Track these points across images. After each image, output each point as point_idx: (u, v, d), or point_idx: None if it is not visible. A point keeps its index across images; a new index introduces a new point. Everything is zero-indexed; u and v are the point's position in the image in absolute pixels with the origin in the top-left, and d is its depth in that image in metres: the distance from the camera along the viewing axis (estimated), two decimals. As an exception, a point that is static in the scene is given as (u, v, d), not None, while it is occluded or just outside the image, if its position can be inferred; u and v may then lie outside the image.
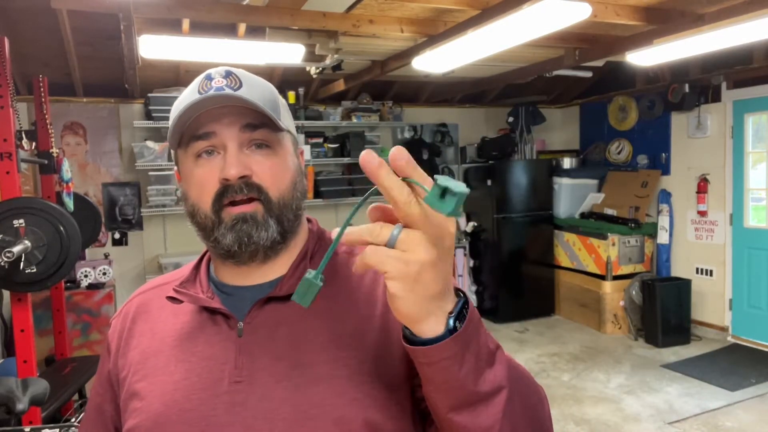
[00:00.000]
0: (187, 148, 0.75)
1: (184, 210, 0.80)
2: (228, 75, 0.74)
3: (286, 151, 0.78)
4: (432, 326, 0.54)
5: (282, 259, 0.79)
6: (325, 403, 0.69)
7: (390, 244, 0.51)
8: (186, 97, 0.74)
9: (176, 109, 0.75)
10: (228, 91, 0.72)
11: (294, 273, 0.78)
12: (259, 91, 0.74)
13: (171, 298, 0.81)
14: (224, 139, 0.73)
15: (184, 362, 0.75)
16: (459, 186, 0.49)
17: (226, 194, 0.73)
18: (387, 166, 0.51)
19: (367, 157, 0.50)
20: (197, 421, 0.71)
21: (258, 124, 0.73)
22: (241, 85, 0.73)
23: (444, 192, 0.49)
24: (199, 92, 0.72)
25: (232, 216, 0.73)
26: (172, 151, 0.82)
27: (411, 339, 0.56)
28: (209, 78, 0.74)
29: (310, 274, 0.55)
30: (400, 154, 0.51)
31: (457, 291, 0.58)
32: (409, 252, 0.51)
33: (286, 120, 0.78)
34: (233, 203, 0.73)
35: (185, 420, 0.71)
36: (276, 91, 0.79)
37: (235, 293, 0.79)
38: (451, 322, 0.55)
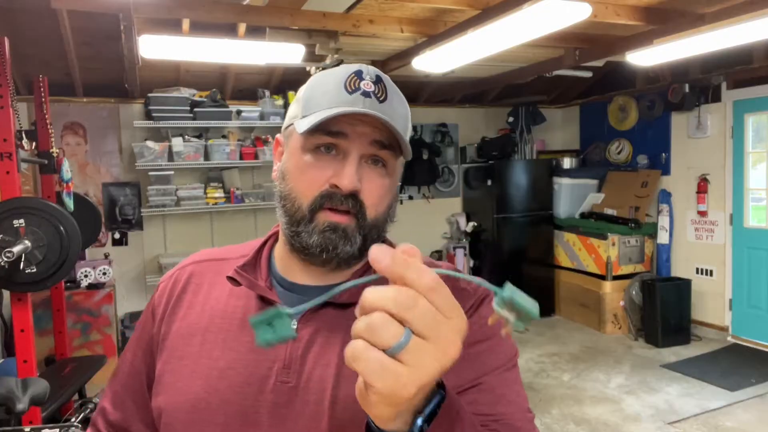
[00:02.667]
0: (310, 135, 0.72)
1: (277, 187, 0.78)
2: (378, 81, 0.72)
3: (396, 174, 0.77)
4: (397, 425, 0.46)
5: (351, 269, 0.78)
6: (362, 422, 0.68)
7: (393, 352, 0.42)
8: (331, 88, 0.72)
9: (317, 94, 0.73)
10: (373, 100, 0.70)
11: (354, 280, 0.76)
12: (398, 110, 0.73)
13: (230, 278, 0.78)
14: (350, 146, 0.71)
15: (231, 350, 0.74)
16: (527, 302, 0.43)
17: (330, 199, 0.71)
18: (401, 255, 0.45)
19: (377, 256, 0.45)
20: (237, 415, 0.70)
21: (387, 145, 0.72)
22: (386, 98, 0.72)
23: (510, 303, 0.44)
24: (347, 89, 0.70)
25: (327, 221, 0.72)
26: (287, 123, 0.78)
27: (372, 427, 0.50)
28: (359, 76, 0.71)
29: (284, 309, 0.48)
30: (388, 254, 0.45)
31: (438, 384, 0.50)
32: (410, 368, 0.42)
33: (408, 145, 0.75)
34: (332, 209, 0.72)
35: (225, 411, 0.70)
36: (409, 110, 0.77)
37: (293, 289, 0.78)
38: (419, 422, 0.47)
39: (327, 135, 0.71)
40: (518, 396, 0.72)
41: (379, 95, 0.71)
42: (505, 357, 0.73)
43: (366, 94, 0.70)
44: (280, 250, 0.81)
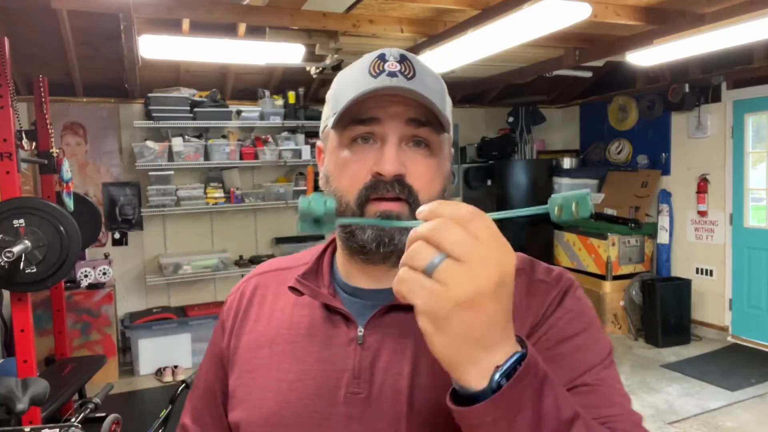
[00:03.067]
0: (344, 129, 0.70)
1: (324, 192, 0.74)
2: (402, 60, 0.69)
3: (443, 153, 0.73)
4: (474, 378, 0.47)
5: None
6: (440, 430, 0.63)
7: (427, 272, 0.46)
8: (356, 77, 0.70)
9: (344, 87, 0.71)
10: (401, 78, 0.67)
11: None
12: (431, 85, 0.70)
13: (292, 289, 0.77)
14: (386, 130, 0.68)
15: (299, 361, 0.72)
16: (576, 198, 0.48)
17: (375, 189, 0.68)
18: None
19: (420, 209, 0.50)
20: (310, 428, 0.69)
21: (424, 121, 0.68)
22: (414, 74, 0.68)
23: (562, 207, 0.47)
24: (371, 73, 0.68)
25: (377, 212, 0.68)
26: (322, 127, 0.77)
27: (457, 393, 0.50)
28: (383, 59, 0.69)
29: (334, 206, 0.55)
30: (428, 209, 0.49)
31: (520, 341, 0.50)
32: (444, 286, 0.45)
33: (450, 119, 0.72)
34: (380, 199, 0.68)
35: (298, 424, 0.69)
36: (445, 86, 0.74)
37: (357, 294, 0.75)
38: (497, 377, 0.47)
39: (360, 124, 0.69)
40: (622, 396, 0.66)
41: (406, 73, 0.68)
42: (601, 353, 0.67)
43: (392, 74, 0.68)
44: (340, 256, 0.79)
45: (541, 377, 0.48)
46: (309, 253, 0.84)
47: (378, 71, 0.68)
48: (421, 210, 0.49)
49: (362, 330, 0.71)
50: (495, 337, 0.47)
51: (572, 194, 0.49)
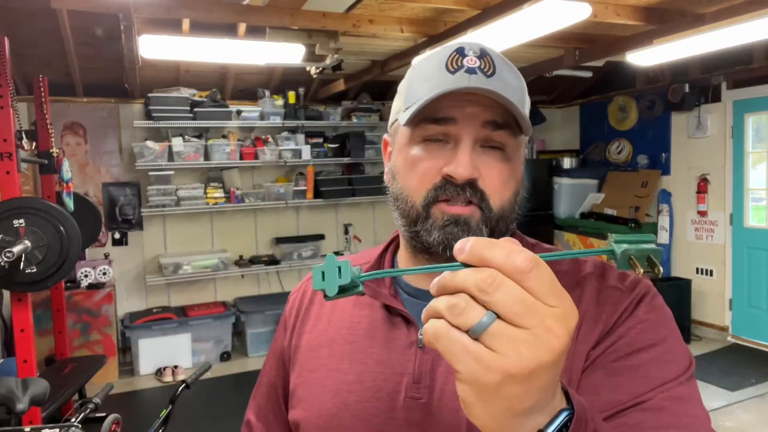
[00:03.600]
0: (416, 127, 0.66)
1: (389, 189, 0.73)
2: (483, 55, 0.65)
3: (518, 157, 0.69)
4: None
5: None
6: None
7: (473, 333, 0.38)
8: (433, 71, 0.65)
9: (418, 81, 0.67)
10: (480, 75, 0.63)
11: None
12: (512, 83, 0.66)
13: None
14: (461, 131, 0.64)
15: (358, 362, 0.71)
16: (644, 240, 0.40)
17: (444, 190, 0.65)
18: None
19: (459, 244, 0.41)
20: (368, 431, 0.68)
21: (501, 124, 0.65)
22: (494, 72, 0.64)
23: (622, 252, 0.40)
24: (449, 68, 0.64)
25: (446, 215, 0.65)
26: (392, 120, 0.73)
27: None
28: (461, 53, 0.65)
29: (357, 270, 0.45)
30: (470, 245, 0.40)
31: (566, 395, 0.43)
32: (496, 354, 0.37)
33: (528, 121, 0.68)
34: (448, 201, 0.66)
35: (357, 427, 0.68)
36: (524, 83, 0.70)
37: (418, 296, 0.72)
38: None
39: (434, 123, 0.65)
40: (696, 418, 0.60)
41: (486, 69, 0.64)
42: (678, 368, 0.61)
43: (471, 71, 0.63)
44: (402, 255, 0.76)
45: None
46: (371, 252, 0.82)
47: (456, 67, 0.64)
48: (463, 248, 0.40)
49: (422, 334, 0.70)
50: (543, 404, 0.41)
51: (646, 247, 0.42)
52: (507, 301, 0.37)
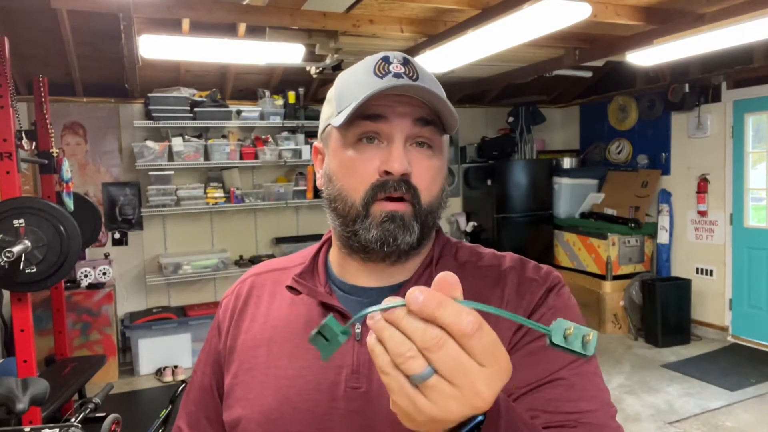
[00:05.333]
0: (349, 126, 0.70)
1: (324, 192, 0.76)
2: (406, 63, 0.70)
3: (443, 154, 0.74)
4: None
5: (409, 263, 0.75)
6: None
7: (413, 381, 0.42)
8: (361, 77, 0.70)
9: (349, 87, 0.72)
10: (406, 80, 0.68)
11: (418, 279, 0.75)
12: (434, 89, 0.70)
13: (290, 288, 0.78)
14: (393, 129, 0.69)
15: (297, 358, 0.73)
16: (578, 343, 0.43)
17: (383, 188, 0.69)
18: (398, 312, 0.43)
19: (410, 296, 0.43)
20: (311, 423, 0.69)
21: (430, 120, 0.70)
22: (418, 77, 0.70)
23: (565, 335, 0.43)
24: (377, 74, 0.69)
25: (384, 212, 0.69)
26: (323, 126, 0.77)
27: None
28: (386, 60, 0.70)
29: (335, 325, 0.47)
30: (423, 296, 0.42)
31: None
32: (432, 404, 0.42)
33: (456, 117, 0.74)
34: (387, 199, 0.69)
35: (299, 420, 0.70)
36: (444, 92, 0.75)
37: (353, 292, 0.76)
38: None
39: (367, 120, 0.69)
40: (599, 390, 0.68)
41: (410, 75, 0.69)
42: None
43: (397, 75, 0.69)
44: (335, 254, 0.79)
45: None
46: (303, 253, 0.84)
47: (383, 72, 0.69)
48: (416, 300, 0.42)
49: (360, 327, 0.71)
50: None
51: (583, 328, 0.44)
52: (446, 360, 0.41)
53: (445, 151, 0.75)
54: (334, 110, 0.73)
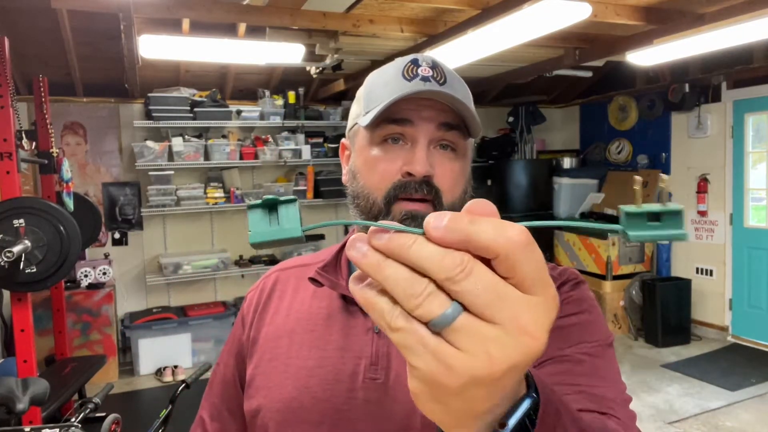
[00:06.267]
0: (375, 128, 0.72)
1: (348, 189, 0.78)
2: (435, 66, 0.72)
3: (467, 157, 0.76)
4: None
5: None
6: None
7: (434, 327, 0.31)
8: (390, 79, 0.72)
9: (377, 88, 0.73)
10: (433, 83, 0.70)
11: None
12: (461, 91, 0.72)
13: (312, 280, 0.79)
14: (418, 132, 0.71)
15: (318, 349, 0.75)
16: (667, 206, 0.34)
17: (404, 188, 0.71)
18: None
19: (430, 221, 0.33)
20: (330, 413, 0.71)
21: (454, 125, 0.72)
22: (445, 81, 0.71)
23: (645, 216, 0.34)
24: (405, 76, 0.70)
25: (404, 211, 0.70)
26: (351, 124, 0.79)
27: None
28: (415, 63, 0.72)
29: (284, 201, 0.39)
30: (442, 221, 0.32)
31: (527, 380, 0.37)
32: (461, 353, 0.30)
33: (479, 123, 0.75)
34: (407, 199, 0.71)
35: (318, 409, 0.71)
36: (471, 95, 0.76)
37: None
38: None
39: (393, 124, 0.71)
40: (616, 374, 0.68)
41: (438, 79, 0.71)
42: (602, 334, 0.70)
43: (425, 79, 0.70)
44: None
45: (551, 424, 0.37)
46: (327, 251, 0.86)
47: (412, 75, 0.70)
48: (438, 225, 0.32)
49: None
50: (507, 402, 0.35)
51: (663, 233, 0.36)
52: (477, 289, 0.30)
53: (469, 155, 0.77)
54: (362, 109, 0.75)
